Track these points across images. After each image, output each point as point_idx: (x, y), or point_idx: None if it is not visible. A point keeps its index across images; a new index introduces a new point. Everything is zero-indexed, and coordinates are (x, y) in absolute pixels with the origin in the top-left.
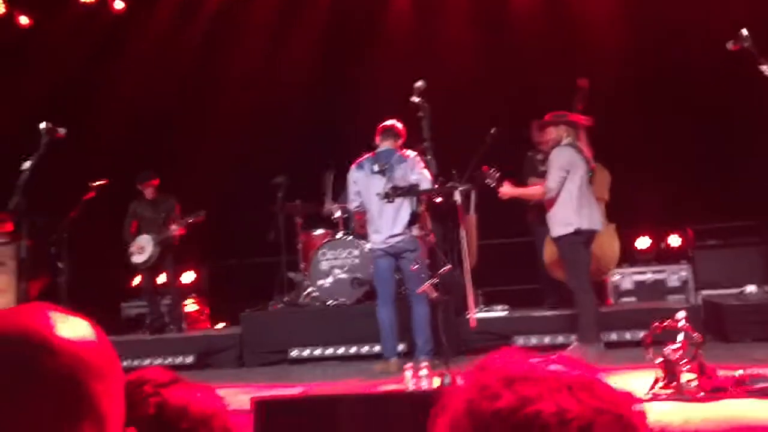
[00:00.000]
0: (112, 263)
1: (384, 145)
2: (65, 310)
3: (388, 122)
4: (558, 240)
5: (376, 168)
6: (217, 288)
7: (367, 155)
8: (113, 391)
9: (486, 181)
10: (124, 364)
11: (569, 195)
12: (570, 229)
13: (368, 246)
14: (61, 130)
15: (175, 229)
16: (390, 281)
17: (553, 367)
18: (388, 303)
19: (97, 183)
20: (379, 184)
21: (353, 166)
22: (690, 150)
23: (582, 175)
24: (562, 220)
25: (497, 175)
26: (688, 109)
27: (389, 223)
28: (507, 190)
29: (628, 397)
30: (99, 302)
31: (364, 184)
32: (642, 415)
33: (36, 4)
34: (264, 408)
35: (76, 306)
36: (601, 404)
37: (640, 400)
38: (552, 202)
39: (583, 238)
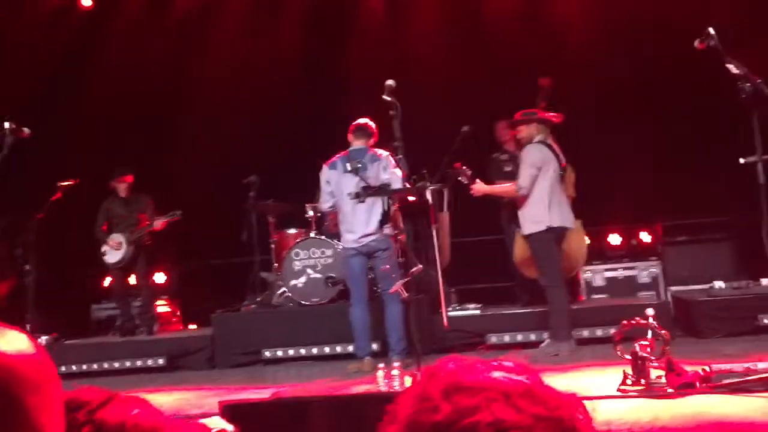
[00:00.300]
0: (81, 264)
1: (356, 143)
2: (2, 323)
3: (361, 121)
4: (529, 237)
5: (348, 167)
6: (189, 289)
7: (339, 154)
8: (51, 405)
9: (459, 179)
10: (94, 366)
11: (541, 192)
12: (542, 227)
13: (341, 245)
14: (26, 130)
15: (157, 224)
16: (363, 280)
17: (493, 374)
18: (361, 302)
19: (65, 183)
20: (352, 183)
21: (326, 166)
22: (660, 146)
23: (553, 172)
24: (534, 217)
25: (469, 172)
26: (658, 106)
27: (362, 223)
28: (479, 187)
29: (571, 400)
30: (68, 304)
31: (336, 183)
32: (586, 417)
33: (1, 3)
34: (232, 412)
35: (44, 308)
36: (541, 411)
37: (585, 400)
38: (524, 199)
39: (554, 234)
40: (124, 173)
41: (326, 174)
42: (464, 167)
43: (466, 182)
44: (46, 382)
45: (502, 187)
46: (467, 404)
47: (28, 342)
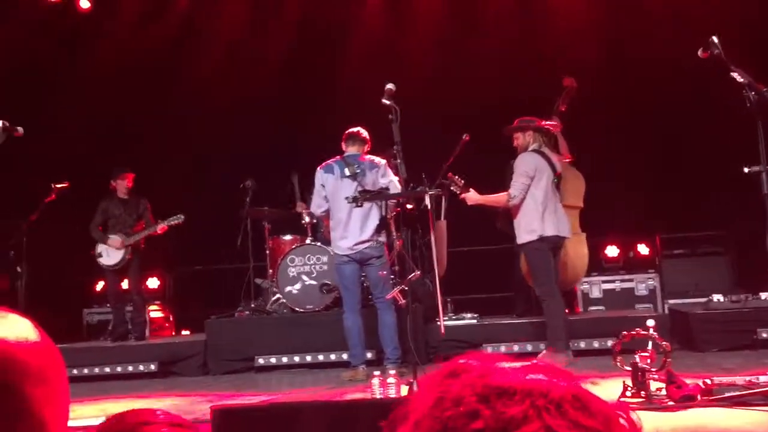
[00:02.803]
0: (75, 268)
1: (350, 150)
2: (4, 308)
3: (354, 128)
4: (523, 247)
5: (347, 171)
6: (183, 294)
7: (334, 158)
8: (56, 398)
9: (451, 188)
10: (85, 371)
11: (534, 201)
12: (534, 236)
13: (333, 251)
14: (19, 129)
15: (159, 227)
16: (356, 288)
17: (534, 376)
18: (355, 310)
19: (60, 185)
20: (350, 188)
21: (320, 169)
22: (659, 160)
23: (547, 180)
24: (527, 226)
25: (462, 182)
26: (660, 120)
27: (357, 229)
28: (472, 196)
29: (621, 409)
30: (60, 308)
31: (333, 187)
32: (636, 428)
33: None
34: (223, 417)
35: (36, 312)
36: (595, 424)
37: (631, 410)
38: (517, 209)
39: (549, 244)
40: (125, 171)
41: (321, 177)
42: (457, 177)
43: (458, 192)
44: (51, 373)
45: (494, 197)
46: (513, 412)
47: (32, 329)
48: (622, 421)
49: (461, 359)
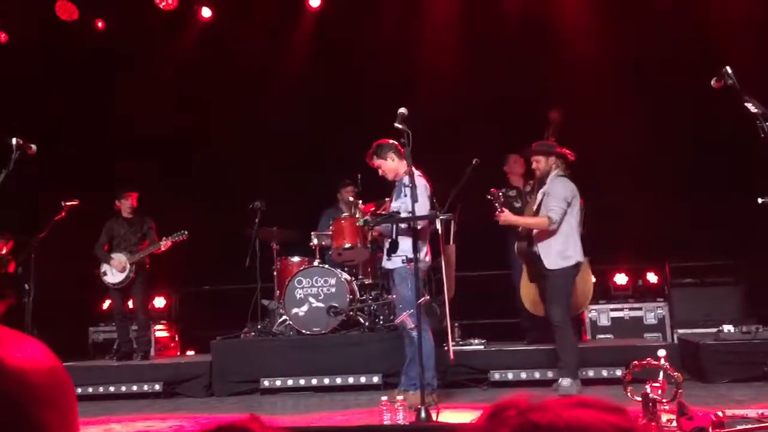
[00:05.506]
0: (81, 286)
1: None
2: (14, 331)
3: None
4: (554, 271)
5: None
6: (189, 314)
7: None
8: (68, 424)
9: (495, 204)
10: (89, 390)
11: (570, 227)
12: (571, 262)
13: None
14: (33, 147)
15: (164, 244)
16: None
17: (576, 412)
18: None
19: (70, 203)
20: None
21: (424, 179)
22: (670, 188)
23: (579, 207)
24: (563, 252)
25: (502, 199)
26: (669, 147)
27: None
28: (507, 216)
29: None
30: (66, 326)
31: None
32: None
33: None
34: None
35: (42, 329)
36: None
37: None
38: (546, 233)
39: (577, 270)
40: (128, 190)
41: (428, 188)
42: (499, 194)
43: (498, 209)
44: (64, 400)
45: (533, 220)
46: None
47: (44, 352)
48: None
49: (502, 402)
